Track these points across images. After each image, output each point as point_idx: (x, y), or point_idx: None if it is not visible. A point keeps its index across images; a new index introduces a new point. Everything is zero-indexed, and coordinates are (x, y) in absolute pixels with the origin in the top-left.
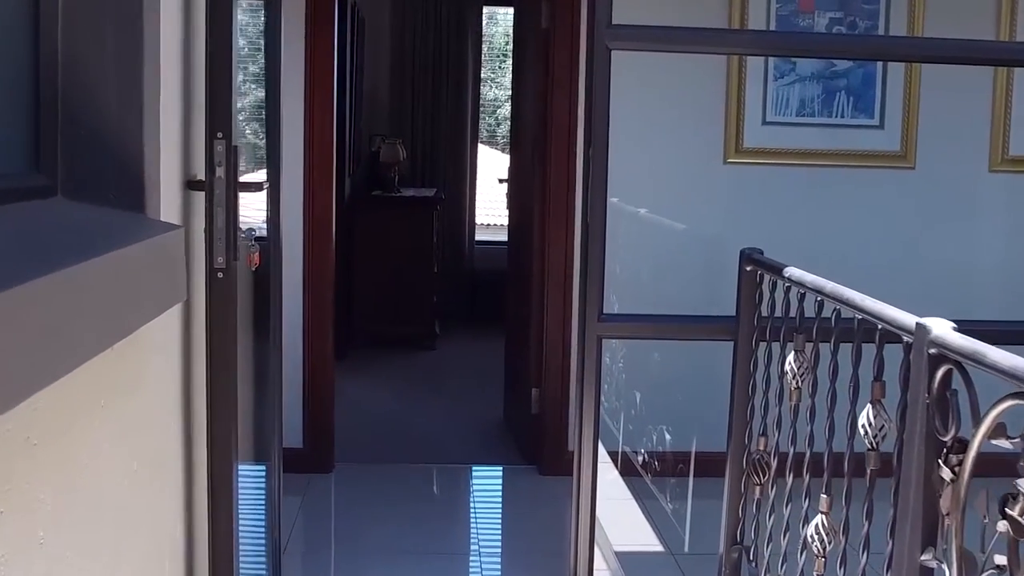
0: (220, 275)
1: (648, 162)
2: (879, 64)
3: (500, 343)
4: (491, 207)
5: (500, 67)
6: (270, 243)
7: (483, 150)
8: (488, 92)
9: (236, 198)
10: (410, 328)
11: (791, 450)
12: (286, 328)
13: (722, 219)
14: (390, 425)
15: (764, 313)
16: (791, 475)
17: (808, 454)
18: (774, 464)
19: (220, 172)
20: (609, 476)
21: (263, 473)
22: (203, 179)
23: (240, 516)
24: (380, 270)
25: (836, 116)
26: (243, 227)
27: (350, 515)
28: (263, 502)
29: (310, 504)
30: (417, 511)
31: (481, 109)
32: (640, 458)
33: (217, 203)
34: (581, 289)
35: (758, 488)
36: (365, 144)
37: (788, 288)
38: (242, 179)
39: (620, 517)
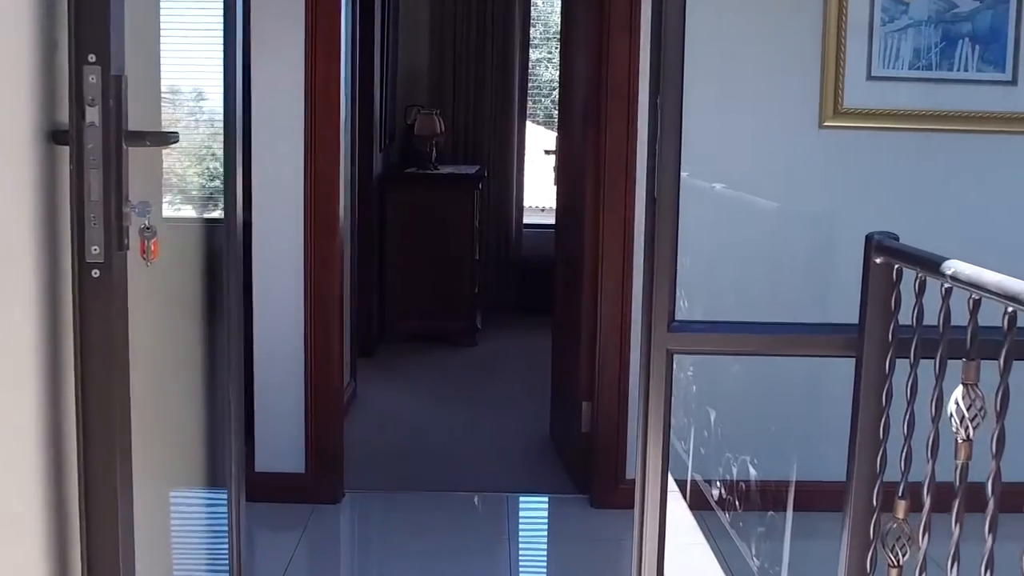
0: (96, 273)
1: (724, 126)
2: (1012, 3)
3: (550, 340)
4: (543, 188)
5: (557, 47)
6: (226, 224)
7: (538, 131)
8: (544, 73)
9: (121, 156)
10: (448, 322)
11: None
12: (282, 331)
13: (816, 197)
14: (416, 441)
15: (904, 321)
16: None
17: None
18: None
19: (93, 116)
20: (676, 510)
21: (218, 503)
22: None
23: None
24: (414, 256)
25: (958, 69)
26: (134, 201)
27: (359, 555)
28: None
29: (310, 541)
30: (442, 550)
31: (536, 91)
32: (715, 490)
33: (90, 164)
34: (646, 289)
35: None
36: (400, 118)
37: (948, 291)
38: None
39: (688, 560)
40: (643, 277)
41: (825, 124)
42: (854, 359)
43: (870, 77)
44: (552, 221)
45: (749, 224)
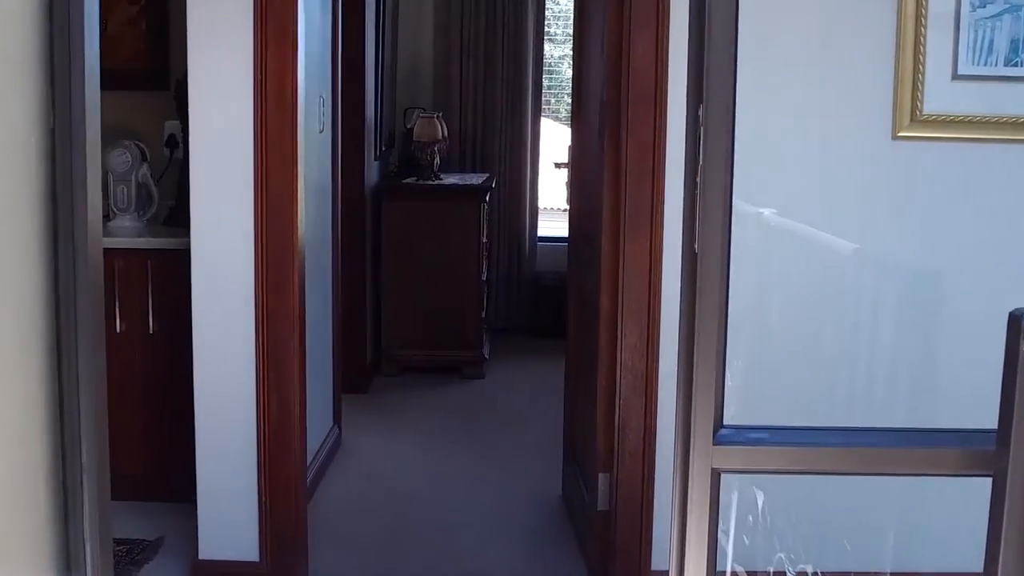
0: None
1: (773, 137)
2: None
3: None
4: (558, 194)
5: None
6: (73, 245)
7: (555, 128)
8: (566, 71)
9: None
10: (451, 352)
11: None
12: (229, 388)
13: (887, 229)
14: (404, 510)
15: None
16: None
17: None
18: None
19: None
20: None
21: None
22: None
23: None
24: (413, 278)
25: None
26: None
27: None
28: None
29: None
30: None
31: (558, 88)
32: None
33: None
34: (681, 379)
35: None
36: (400, 121)
37: None
38: None
39: None
40: (678, 361)
41: (900, 135)
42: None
43: (956, 76)
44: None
45: (800, 264)
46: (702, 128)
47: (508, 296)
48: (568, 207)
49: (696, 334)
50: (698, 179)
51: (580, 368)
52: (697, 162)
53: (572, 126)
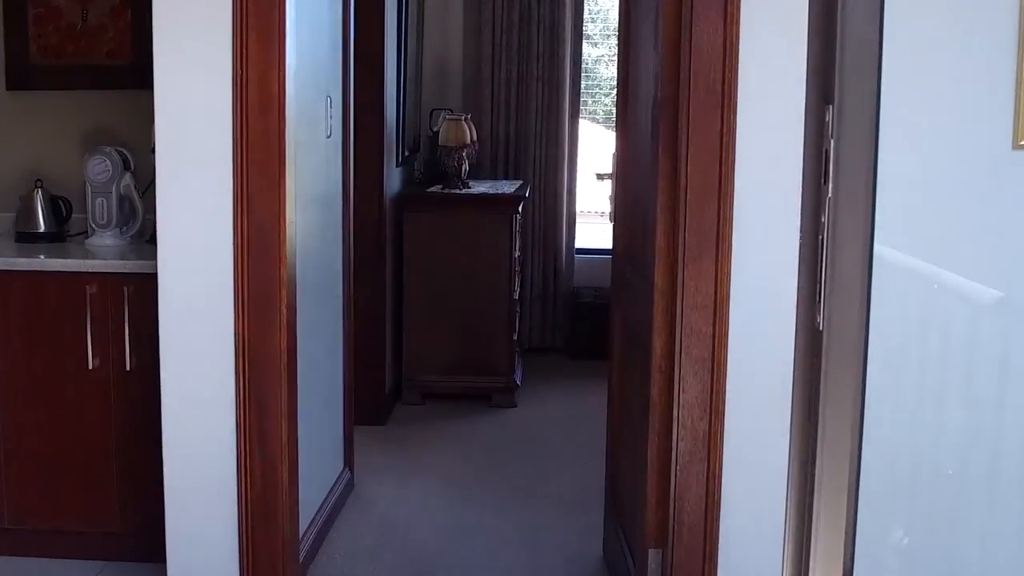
0: None
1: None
2: None
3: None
4: (598, 199)
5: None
6: None
7: (592, 130)
8: (604, 70)
9: None
10: (479, 377)
11: None
12: (205, 431)
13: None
14: (422, 565)
15: None
16: None
17: None
18: None
19: None
20: None
21: None
22: None
23: None
24: (438, 296)
25: None
26: None
27: None
28: None
29: None
30: None
31: (596, 88)
32: None
33: None
34: (792, 514)
35: None
36: (425, 123)
37: None
38: None
39: None
40: (787, 490)
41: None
42: None
43: None
44: (608, 245)
45: (930, 321)
46: (831, 140)
47: (543, 314)
48: (612, 224)
49: (817, 457)
50: (824, 216)
51: (626, 415)
52: (820, 192)
53: (617, 131)
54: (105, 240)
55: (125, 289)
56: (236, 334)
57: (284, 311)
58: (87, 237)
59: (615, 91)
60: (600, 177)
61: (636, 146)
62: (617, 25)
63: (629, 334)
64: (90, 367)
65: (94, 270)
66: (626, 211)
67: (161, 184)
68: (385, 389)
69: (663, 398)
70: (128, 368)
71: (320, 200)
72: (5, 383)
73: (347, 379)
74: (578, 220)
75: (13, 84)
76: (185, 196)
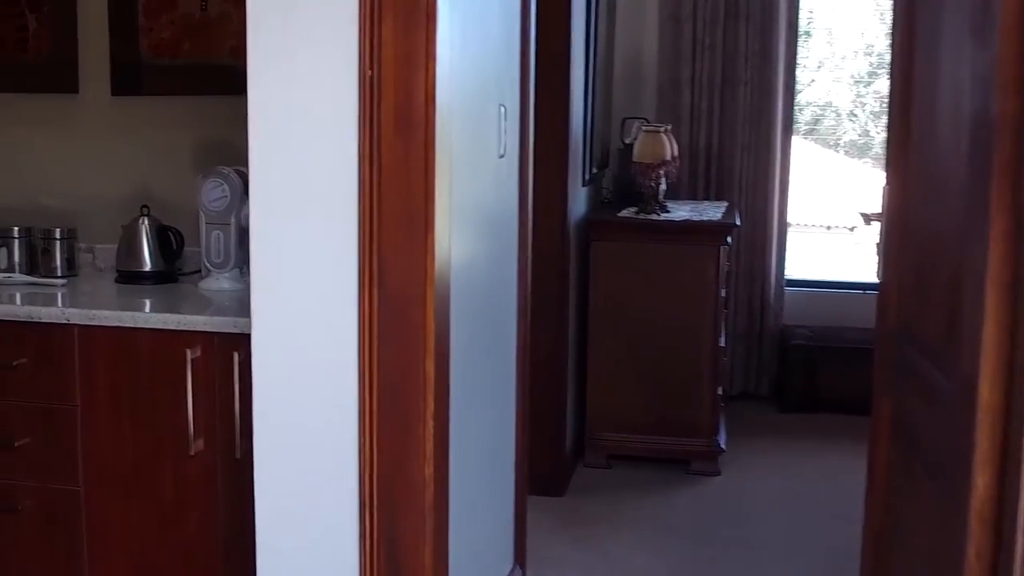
0: None
1: None
2: None
3: (827, 464)
4: (802, 210)
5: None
6: None
7: (802, 145)
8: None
9: None
10: (676, 438)
11: None
12: (316, 553)
13: None
14: None
15: None
16: None
17: None
18: None
19: None
20: None
21: None
22: None
23: None
24: (629, 340)
25: None
26: None
27: None
28: None
29: None
30: None
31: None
32: None
33: None
34: None
35: None
36: (616, 134)
37: None
38: None
39: None
40: None
41: None
42: None
43: None
44: (819, 276)
45: None
46: None
47: (746, 355)
48: (879, 281)
49: None
50: None
51: (898, 547)
52: None
53: (892, 162)
54: (222, 283)
55: (236, 355)
56: (361, 428)
57: (429, 399)
58: (202, 278)
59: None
60: (867, 219)
61: (931, 183)
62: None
63: (907, 441)
64: (191, 452)
65: (197, 328)
66: (911, 272)
67: (256, 226)
68: (565, 450)
69: (984, 559)
70: (238, 455)
71: (488, 231)
72: (90, 466)
73: (520, 444)
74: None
75: (120, 88)
76: (288, 244)
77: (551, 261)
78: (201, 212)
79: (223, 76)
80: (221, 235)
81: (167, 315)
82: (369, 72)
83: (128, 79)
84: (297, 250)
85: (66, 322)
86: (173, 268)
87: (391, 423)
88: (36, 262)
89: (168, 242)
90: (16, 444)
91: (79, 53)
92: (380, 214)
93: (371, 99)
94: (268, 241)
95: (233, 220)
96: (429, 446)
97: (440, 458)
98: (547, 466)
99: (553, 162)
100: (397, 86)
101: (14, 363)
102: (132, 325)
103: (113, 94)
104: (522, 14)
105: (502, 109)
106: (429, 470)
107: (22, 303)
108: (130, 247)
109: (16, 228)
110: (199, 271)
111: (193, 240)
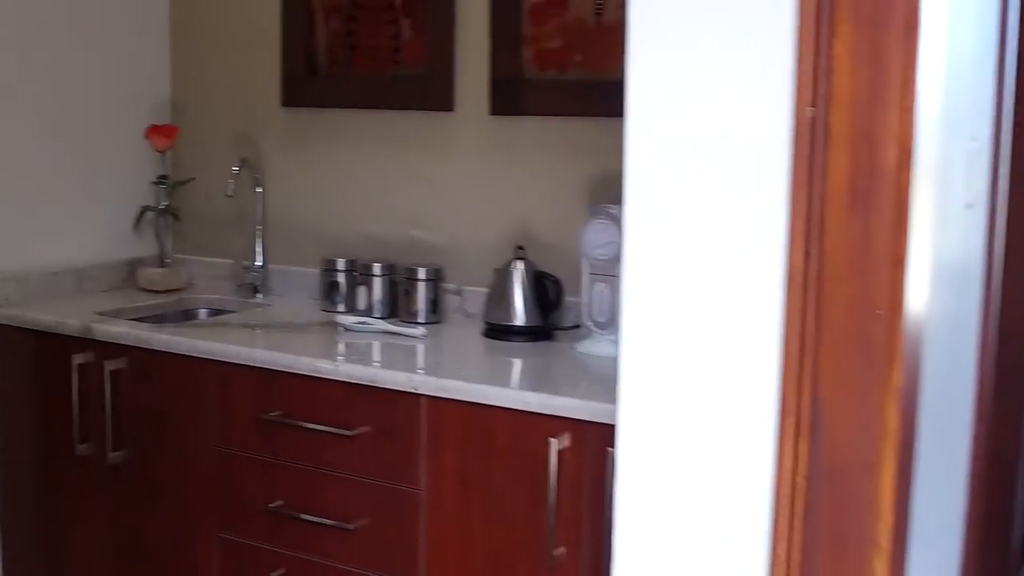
0: None
1: None
2: None
3: None
4: None
5: None
6: None
7: None
8: None
9: None
10: None
11: None
12: None
13: None
14: None
15: None
16: None
17: None
18: None
19: None
20: None
21: None
22: None
23: None
24: None
25: None
26: None
27: None
28: None
29: None
30: None
31: None
32: None
33: None
34: None
35: None
36: None
37: None
38: None
39: None
40: None
41: None
42: None
43: None
44: None
45: None
46: None
47: None
48: None
49: None
50: None
51: None
52: None
53: None
54: (604, 347)
55: (609, 451)
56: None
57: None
58: (582, 338)
59: None
60: None
61: None
62: None
63: None
64: (548, 562)
65: (562, 414)
66: None
67: (629, 286)
68: (1009, 551)
69: None
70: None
71: (949, 297)
72: (434, 564)
73: (969, 552)
74: None
75: (499, 106)
76: (672, 317)
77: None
78: (583, 259)
79: (619, 94)
80: (606, 289)
81: (529, 394)
82: (809, 110)
83: (509, 96)
84: (683, 327)
85: (413, 391)
86: (549, 323)
87: (825, 559)
88: (397, 304)
89: (545, 292)
90: (351, 526)
91: (455, 65)
92: (818, 327)
93: (811, 152)
94: (643, 309)
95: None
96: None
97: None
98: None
99: None
100: (855, 135)
101: (354, 431)
102: (488, 402)
103: (492, 113)
104: (1000, 19)
105: (974, 143)
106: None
107: (373, 358)
108: (501, 296)
109: (379, 265)
110: (579, 326)
111: (573, 289)
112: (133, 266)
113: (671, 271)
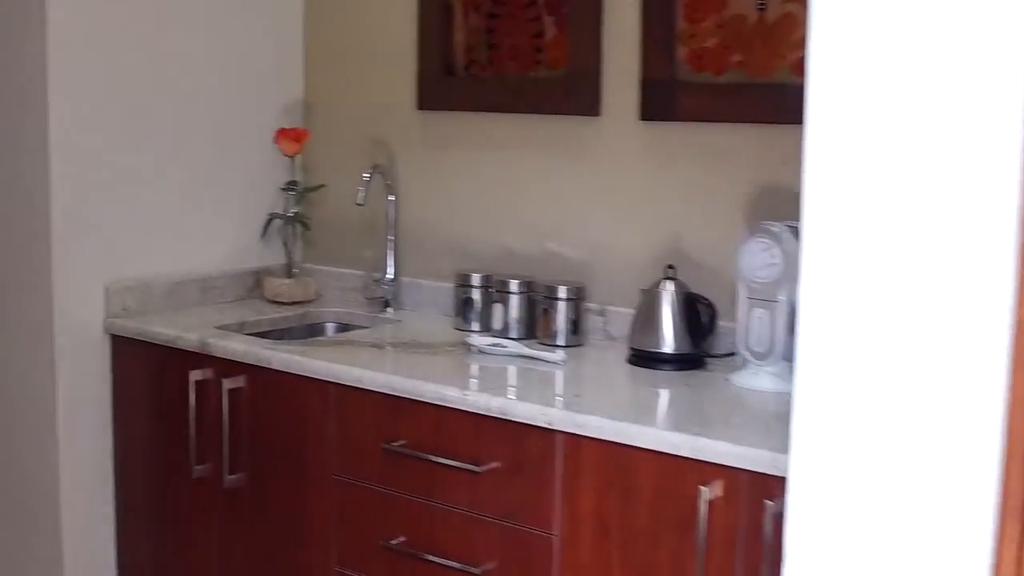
0: None
1: None
2: None
3: None
4: None
5: None
6: None
7: None
8: None
9: None
10: None
11: None
12: None
13: None
14: None
15: None
16: None
17: None
18: None
19: None
20: None
21: None
22: None
23: None
24: None
25: None
26: None
27: None
28: None
29: None
30: None
31: None
32: None
33: None
34: None
35: None
36: None
37: None
38: None
39: None
40: None
41: None
42: None
43: None
44: None
45: None
46: None
47: None
48: None
49: None
50: None
51: None
52: None
53: None
54: (762, 381)
55: (768, 504)
56: None
57: None
58: (738, 368)
59: None
60: None
61: None
62: None
63: None
64: None
65: (714, 460)
66: None
67: (806, 316)
68: None
69: None
70: None
71: None
72: None
73: None
74: None
75: (650, 111)
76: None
77: None
78: (740, 282)
79: (784, 99)
80: (765, 315)
81: (677, 435)
82: None
83: (660, 100)
84: (874, 369)
85: (548, 426)
86: (700, 350)
87: None
88: (535, 324)
89: (697, 316)
90: (478, 570)
91: (601, 66)
92: None
93: None
94: (823, 346)
95: (784, 297)
96: None
97: None
98: None
99: None
100: None
101: (483, 466)
102: (631, 443)
103: (641, 118)
104: None
105: None
106: None
107: (507, 385)
108: (648, 319)
109: (516, 281)
110: (734, 354)
111: (728, 313)
112: (259, 276)
113: (864, 302)
